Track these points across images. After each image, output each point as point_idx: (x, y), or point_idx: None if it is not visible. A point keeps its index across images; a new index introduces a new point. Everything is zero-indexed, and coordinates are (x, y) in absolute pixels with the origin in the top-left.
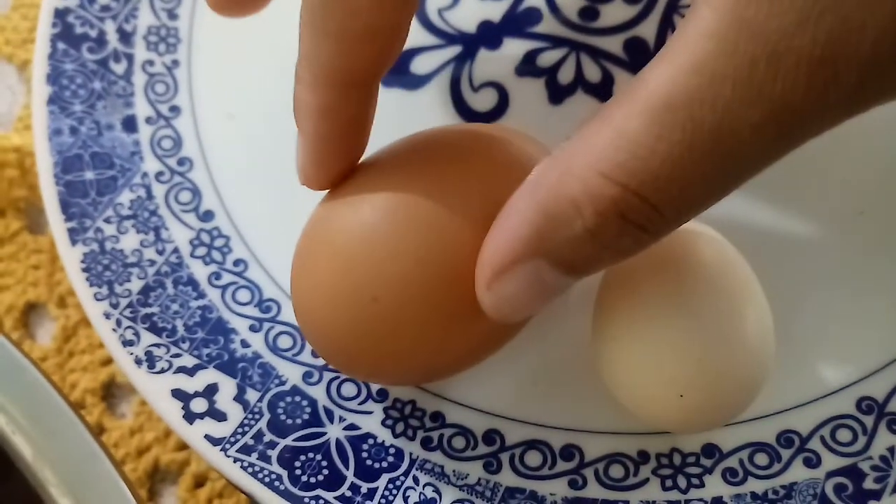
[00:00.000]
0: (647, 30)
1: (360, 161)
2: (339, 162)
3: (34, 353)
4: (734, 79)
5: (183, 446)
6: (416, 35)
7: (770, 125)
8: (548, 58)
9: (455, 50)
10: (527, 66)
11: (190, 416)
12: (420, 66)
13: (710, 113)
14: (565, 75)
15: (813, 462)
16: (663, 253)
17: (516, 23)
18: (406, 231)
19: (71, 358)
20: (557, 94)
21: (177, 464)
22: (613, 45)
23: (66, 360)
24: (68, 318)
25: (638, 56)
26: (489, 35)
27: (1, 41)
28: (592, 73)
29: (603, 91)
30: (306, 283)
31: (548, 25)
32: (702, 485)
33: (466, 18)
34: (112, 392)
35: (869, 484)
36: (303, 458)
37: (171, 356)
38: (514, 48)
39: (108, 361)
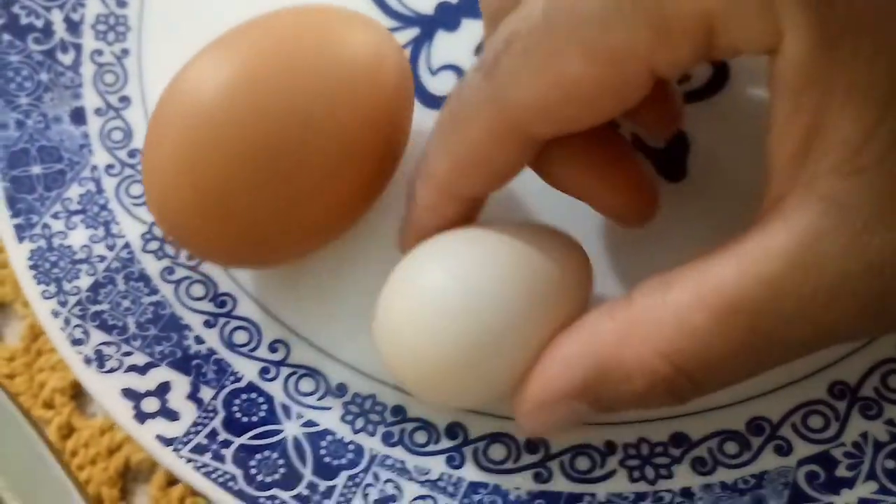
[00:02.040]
0: None
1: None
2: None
3: (2, 353)
4: (798, 298)
5: None
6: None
7: (815, 342)
8: None
9: (413, 32)
10: None
11: (141, 416)
12: None
13: (768, 321)
14: None
15: (784, 450)
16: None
17: (475, 3)
18: (251, 107)
19: (39, 357)
20: None
21: (148, 462)
22: None
23: (35, 359)
24: (36, 317)
25: None
26: (447, 16)
27: None
28: None
29: None
30: (156, 154)
31: None
32: (670, 475)
33: (424, 0)
34: (82, 391)
35: (841, 471)
36: (258, 456)
37: (121, 354)
38: (473, 29)
39: None
